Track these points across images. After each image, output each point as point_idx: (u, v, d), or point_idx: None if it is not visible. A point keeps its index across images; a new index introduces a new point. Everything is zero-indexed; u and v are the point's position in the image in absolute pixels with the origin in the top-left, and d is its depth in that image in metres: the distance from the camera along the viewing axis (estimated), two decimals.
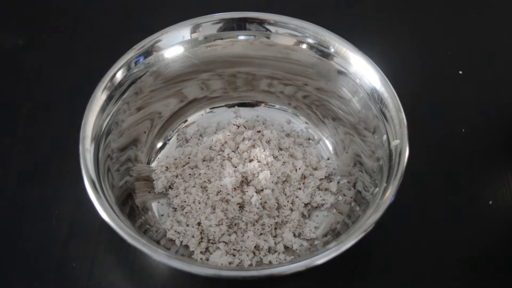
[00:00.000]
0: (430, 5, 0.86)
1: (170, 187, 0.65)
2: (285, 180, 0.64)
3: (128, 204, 0.62)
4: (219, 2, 0.76)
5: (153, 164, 0.66)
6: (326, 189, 0.65)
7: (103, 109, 0.60)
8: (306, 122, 0.70)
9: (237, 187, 0.61)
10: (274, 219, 0.61)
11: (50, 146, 0.69)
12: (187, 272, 0.51)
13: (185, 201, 0.62)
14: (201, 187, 0.62)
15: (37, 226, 0.63)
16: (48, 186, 0.65)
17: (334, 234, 0.61)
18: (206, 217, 0.60)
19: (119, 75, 0.61)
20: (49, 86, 0.73)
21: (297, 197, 0.63)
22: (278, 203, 0.62)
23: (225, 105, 0.71)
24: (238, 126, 0.66)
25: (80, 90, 0.65)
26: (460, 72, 0.77)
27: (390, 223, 0.59)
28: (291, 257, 0.60)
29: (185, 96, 0.69)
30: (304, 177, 0.65)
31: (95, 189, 0.54)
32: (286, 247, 0.61)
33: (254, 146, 0.64)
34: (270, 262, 0.59)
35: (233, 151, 0.64)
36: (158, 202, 0.64)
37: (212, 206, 0.61)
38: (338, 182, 0.65)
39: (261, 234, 0.60)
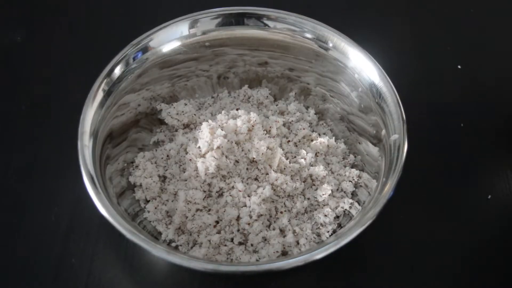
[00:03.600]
0: (430, 1, 0.86)
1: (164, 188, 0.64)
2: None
3: (128, 199, 0.62)
4: None
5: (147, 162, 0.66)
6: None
7: (101, 104, 0.60)
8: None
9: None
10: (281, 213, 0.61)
11: (49, 143, 0.68)
12: (186, 268, 0.51)
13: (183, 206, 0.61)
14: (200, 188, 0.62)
15: (36, 222, 0.63)
16: (47, 182, 0.65)
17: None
18: (205, 221, 0.60)
19: (117, 71, 0.61)
20: (48, 83, 0.73)
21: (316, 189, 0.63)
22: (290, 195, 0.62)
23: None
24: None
25: (79, 86, 0.65)
26: (459, 67, 0.77)
27: (388, 217, 0.59)
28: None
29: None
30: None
31: (94, 184, 0.54)
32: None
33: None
34: (268, 256, 0.59)
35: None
36: (159, 196, 0.64)
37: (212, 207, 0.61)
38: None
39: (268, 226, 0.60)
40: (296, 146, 0.65)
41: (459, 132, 0.71)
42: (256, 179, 0.61)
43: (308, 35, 0.65)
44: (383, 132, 0.60)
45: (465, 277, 0.61)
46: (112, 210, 0.53)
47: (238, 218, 0.59)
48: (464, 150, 0.70)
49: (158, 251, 0.51)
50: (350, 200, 0.62)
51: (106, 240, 0.62)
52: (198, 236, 0.59)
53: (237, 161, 0.60)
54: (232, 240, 0.59)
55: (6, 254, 0.61)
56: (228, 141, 0.59)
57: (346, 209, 0.62)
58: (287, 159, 0.63)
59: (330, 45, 0.64)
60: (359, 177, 0.64)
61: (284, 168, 0.62)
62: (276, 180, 0.60)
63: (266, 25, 0.65)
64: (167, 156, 0.64)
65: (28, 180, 0.66)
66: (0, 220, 0.63)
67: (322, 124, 0.69)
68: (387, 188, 0.55)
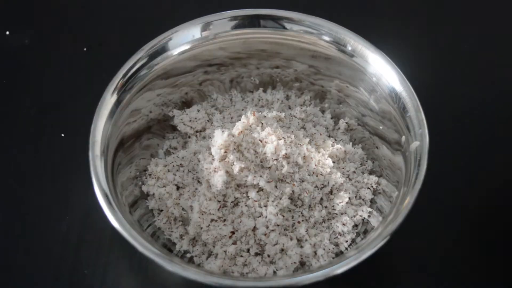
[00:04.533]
0: (448, 2, 0.84)
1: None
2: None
3: (141, 208, 0.61)
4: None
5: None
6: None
7: (112, 112, 0.58)
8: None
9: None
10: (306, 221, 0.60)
11: (59, 149, 0.67)
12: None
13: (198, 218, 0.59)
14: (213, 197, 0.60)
15: (48, 232, 0.62)
16: (58, 191, 0.64)
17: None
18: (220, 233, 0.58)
19: (128, 77, 0.60)
20: (56, 87, 0.72)
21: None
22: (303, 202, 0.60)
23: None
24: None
25: (88, 90, 0.65)
26: (479, 68, 0.75)
27: (408, 226, 0.57)
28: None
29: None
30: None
31: (106, 197, 0.53)
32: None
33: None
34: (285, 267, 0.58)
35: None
36: (172, 206, 0.62)
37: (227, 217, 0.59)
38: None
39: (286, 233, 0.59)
40: (313, 152, 0.64)
41: (479, 135, 0.69)
42: (274, 187, 0.59)
43: (326, 38, 0.63)
44: (403, 138, 0.58)
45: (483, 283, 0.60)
46: (125, 223, 0.52)
47: (254, 228, 0.58)
48: (485, 155, 0.68)
49: (173, 267, 0.50)
50: (369, 209, 0.60)
51: (119, 250, 0.61)
52: (213, 247, 0.58)
53: (251, 170, 0.58)
54: (248, 250, 0.58)
55: (17, 264, 0.60)
56: (244, 148, 0.58)
57: (364, 218, 0.60)
58: (303, 163, 0.61)
59: (349, 48, 0.62)
60: (378, 183, 0.62)
61: (300, 175, 0.60)
62: (293, 188, 0.58)
63: (282, 27, 0.63)
64: (180, 164, 0.63)
65: (39, 188, 0.64)
66: (11, 230, 0.62)
67: (339, 129, 0.67)
68: (409, 198, 0.53)
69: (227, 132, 0.58)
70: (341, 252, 0.59)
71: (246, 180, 0.58)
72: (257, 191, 0.58)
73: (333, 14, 0.66)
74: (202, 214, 0.58)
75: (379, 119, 0.62)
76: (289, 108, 0.68)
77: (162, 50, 0.61)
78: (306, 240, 0.58)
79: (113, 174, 0.57)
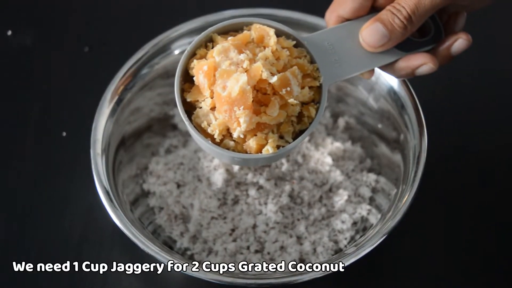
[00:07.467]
0: None
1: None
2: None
3: (142, 206, 0.61)
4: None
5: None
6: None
7: (113, 111, 0.59)
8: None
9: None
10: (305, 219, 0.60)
11: (61, 147, 0.68)
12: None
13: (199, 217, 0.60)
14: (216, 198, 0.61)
15: (49, 230, 0.62)
16: (60, 189, 0.65)
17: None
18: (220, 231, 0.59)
19: (129, 76, 0.60)
20: (58, 86, 0.72)
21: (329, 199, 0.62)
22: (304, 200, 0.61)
23: None
24: None
25: (90, 89, 0.65)
26: (481, 67, 0.75)
27: (407, 225, 0.58)
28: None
29: None
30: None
31: (107, 195, 0.54)
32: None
33: None
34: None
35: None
36: (173, 204, 0.63)
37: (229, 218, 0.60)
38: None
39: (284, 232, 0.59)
40: (312, 150, 0.64)
41: (479, 133, 0.70)
42: (273, 185, 0.60)
43: None
44: (402, 136, 0.59)
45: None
46: (126, 220, 0.52)
47: (254, 226, 0.59)
48: (485, 152, 0.68)
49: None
50: (368, 207, 0.61)
51: (121, 247, 0.61)
52: (213, 244, 0.59)
53: (251, 168, 0.59)
54: (248, 248, 0.59)
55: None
56: None
57: (363, 216, 0.61)
58: (303, 161, 0.62)
59: None
60: (377, 181, 0.62)
61: (300, 173, 0.61)
62: (292, 186, 0.59)
63: None
64: (181, 163, 0.63)
65: (41, 186, 0.65)
66: (12, 227, 0.62)
67: (338, 127, 0.67)
68: (407, 196, 0.54)
69: None
70: (340, 250, 0.59)
71: (246, 178, 0.59)
72: (257, 189, 0.59)
73: None
74: (203, 211, 0.59)
75: (378, 117, 0.62)
76: None
77: (163, 49, 0.62)
78: (305, 237, 0.59)
79: (114, 172, 0.58)
